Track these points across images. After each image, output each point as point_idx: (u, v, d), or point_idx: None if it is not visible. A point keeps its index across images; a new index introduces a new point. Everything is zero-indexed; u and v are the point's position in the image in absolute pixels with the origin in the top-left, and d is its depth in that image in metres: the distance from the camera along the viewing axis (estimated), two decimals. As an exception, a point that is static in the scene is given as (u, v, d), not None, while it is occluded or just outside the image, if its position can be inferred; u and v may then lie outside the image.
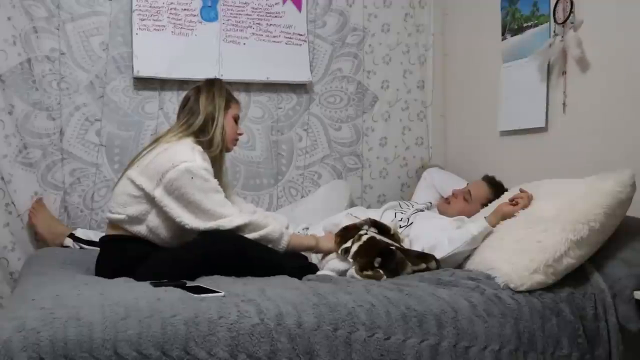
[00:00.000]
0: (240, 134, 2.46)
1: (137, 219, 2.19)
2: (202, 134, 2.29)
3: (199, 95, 2.33)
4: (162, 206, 2.14)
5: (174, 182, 2.12)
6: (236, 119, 2.41)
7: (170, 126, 2.96)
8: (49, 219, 2.80)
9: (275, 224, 2.24)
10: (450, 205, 2.68)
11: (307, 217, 2.88)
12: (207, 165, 2.21)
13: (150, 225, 2.19)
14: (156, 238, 2.21)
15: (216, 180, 2.21)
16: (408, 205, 2.80)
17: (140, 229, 2.19)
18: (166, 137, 2.29)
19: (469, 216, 2.57)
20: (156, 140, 2.31)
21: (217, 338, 1.62)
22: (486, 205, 2.59)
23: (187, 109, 2.35)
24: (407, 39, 3.45)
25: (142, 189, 2.17)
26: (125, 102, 2.98)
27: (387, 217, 2.58)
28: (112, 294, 1.74)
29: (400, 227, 2.47)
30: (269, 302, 1.73)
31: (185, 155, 2.17)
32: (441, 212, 2.70)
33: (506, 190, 2.59)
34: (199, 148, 2.24)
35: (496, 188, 2.65)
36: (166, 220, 2.18)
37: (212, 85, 2.37)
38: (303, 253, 2.33)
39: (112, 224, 2.25)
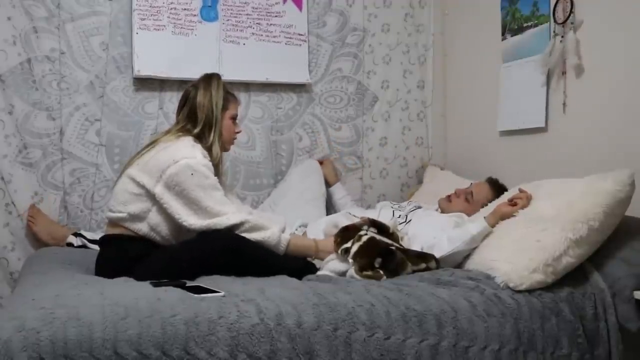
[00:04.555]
0: (238, 132, 2.46)
1: (138, 217, 2.19)
2: (201, 141, 2.29)
3: (196, 97, 2.32)
4: (162, 203, 2.15)
5: (175, 177, 2.13)
6: (234, 118, 2.41)
7: (170, 126, 2.98)
8: (48, 225, 2.79)
9: (274, 228, 2.23)
10: (451, 204, 2.69)
11: (291, 210, 2.87)
12: (207, 162, 2.22)
13: (152, 223, 2.20)
14: (157, 236, 2.21)
15: (216, 177, 2.22)
16: (402, 205, 2.82)
17: (142, 227, 2.20)
18: (165, 137, 2.29)
19: (468, 216, 2.57)
20: (155, 140, 2.31)
21: (217, 338, 1.62)
22: (486, 205, 2.59)
23: (185, 111, 2.35)
24: (407, 39, 3.45)
25: (143, 187, 2.17)
26: (125, 102, 2.98)
27: (384, 216, 2.58)
28: (112, 293, 1.74)
29: (399, 223, 2.47)
30: (268, 302, 1.73)
31: (186, 152, 2.18)
32: (442, 209, 2.71)
33: (506, 190, 2.59)
34: (199, 146, 2.25)
35: (499, 191, 2.65)
36: (167, 217, 2.19)
37: (209, 83, 2.35)
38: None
39: (112, 222, 2.25)
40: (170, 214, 2.16)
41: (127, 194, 2.20)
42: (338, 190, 3.20)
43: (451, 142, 3.49)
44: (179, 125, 2.34)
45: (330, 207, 3.21)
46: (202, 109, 2.31)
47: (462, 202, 2.68)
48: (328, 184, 3.21)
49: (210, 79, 2.38)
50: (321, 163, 3.22)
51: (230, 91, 2.43)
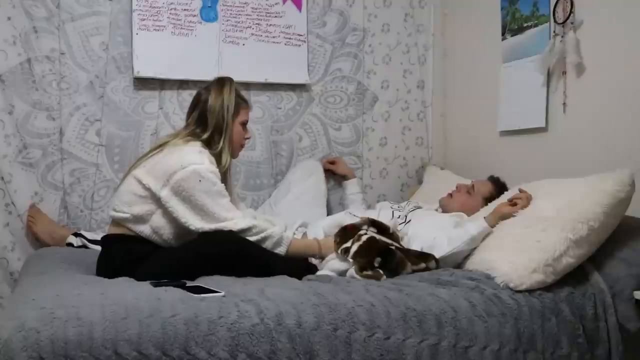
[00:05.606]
0: (247, 138, 2.45)
1: (142, 219, 2.19)
2: (209, 146, 2.29)
3: (207, 101, 2.31)
4: (168, 207, 2.16)
5: (182, 183, 2.13)
6: (244, 124, 2.40)
7: (170, 126, 2.99)
8: (48, 225, 2.79)
9: (276, 228, 2.25)
10: (452, 199, 2.69)
11: (291, 210, 2.88)
12: (215, 168, 2.22)
13: (154, 226, 2.20)
14: (159, 238, 2.22)
15: (223, 184, 2.22)
16: (401, 205, 2.82)
17: (144, 229, 2.20)
18: (174, 141, 2.28)
19: (470, 209, 2.58)
20: (164, 143, 2.30)
21: (217, 338, 1.62)
22: (488, 200, 2.60)
23: (195, 114, 2.33)
24: (407, 39, 3.45)
25: (148, 189, 2.17)
26: (125, 102, 2.98)
27: (384, 216, 2.58)
28: (112, 293, 1.74)
29: (399, 224, 2.48)
30: (268, 302, 1.73)
31: (194, 158, 2.18)
32: (443, 206, 2.71)
33: (507, 189, 2.59)
34: (207, 152, 2.25)
35: (500, 187, 2.66)
36: (170, 221, 2.19)
37: (222, 87, 2.34)
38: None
39: (115, 222, 2.25)
40: (176, 218, 2.16)
41: (131, 195, 2.20)
42: (352, 186, 3.21)
43: (451, 142, 3.49)
44: (189, 129, 2.33)
45: (332, 206, 3.21)
46: (213, 113, 2.29)
47: (464, 194, 2.68)
48: (344, 179, 3.24)
49: (223, 82, 2.36)
50: (333, 163, 3.23)
51: (242, 96, 2.41)
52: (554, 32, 2.65)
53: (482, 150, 3.19)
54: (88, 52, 2.93)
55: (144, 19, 2.96)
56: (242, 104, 2.39)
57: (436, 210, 2.74)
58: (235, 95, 2.34)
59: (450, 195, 2.72)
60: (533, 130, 2.81)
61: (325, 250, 2.29)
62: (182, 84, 3.04)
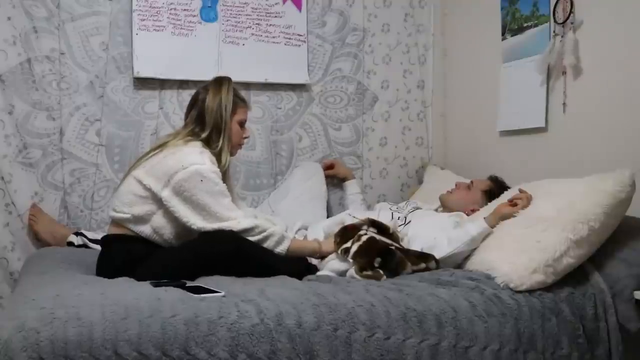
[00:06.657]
0: (246, 137, 2.45)
1: (142, 219, 2.20)
2: (209, 145, 2.29)
3: (205, 100, 2.31)
4: (169, 207, 2.16)
5: (183, 183, 2.13)
6: (242, 123, 2.40)
7: (170, 126, 2.98)
8: (49, 224, 2.79)
9: (277, 228, 2.25)
10: (452, 194, 2.70)
11: (291, 211, 2.89)
12: (216, 168, 2.22)
13: (155, 226, 2.20)
14: (159, 238, 2.22)
15: (225, 184, 2.22)
16: (400, 206, 2.82)
17: (144, 229, 2.20)
18: (173, 141, 2.29)
19: (469, 203, 2.60)
20: (164, 143, 2.30)
21: (217, 338, 1.62)
22: (487, 193, 2.62)
23: (193, 114, 2.34)
24: (407, 39, 3.45)
25: (149, 189, 2.18)
26: (125, 102, 2.98)
27: (383, 218, 2.58)
28: (112, 294, 1.74)
29: (398, 225, 2.48)
30: (268, 302, 1.73)
31: (195, 158, 2.18)
32: (443, 201, 2.71)
33: (507, 189, 2.59)
34: (208, 152, 2.25)
35: (499, 185, 2.66)
36: (171, 221, 2.19)
37: (220, 87, 2.34)
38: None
39: (115, 222, 2.25)
40: (178, 218, 2.17)
41: (132, 195, 2.20)
42: (352, 187, 3.22)
43: (451, 142, 3.49)
44: (188, 129, 2.33)
45: (332, 207, 3.22)
46: (211, 112, 2.30)
47: (463, 190, 2.69)
48: (344, 181, 3.25)
49: (221, 82, 2.36)
50: (332, 167, 3.23)
51: (240, 96, 2.42)
52: (554, 32, 2.65)
53: (482, 150, 3.19)
54: (88, 52, 2.93)
55: (144, 19, 2.96)
56: (239, 103, 2.39)
57: (436, 209, 2.75)
58: (233, 94, 2.35)
59: (450, 192, 2.73)
60: (533, 130, 2.81)
61: (325, 250, 2.29)
62: (182, 84, 3.04)
